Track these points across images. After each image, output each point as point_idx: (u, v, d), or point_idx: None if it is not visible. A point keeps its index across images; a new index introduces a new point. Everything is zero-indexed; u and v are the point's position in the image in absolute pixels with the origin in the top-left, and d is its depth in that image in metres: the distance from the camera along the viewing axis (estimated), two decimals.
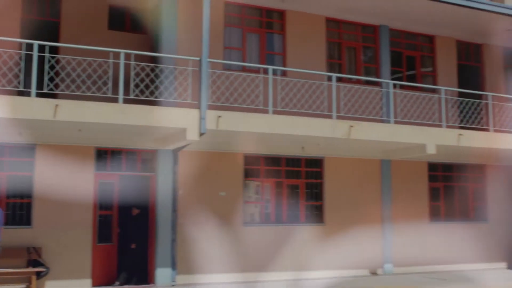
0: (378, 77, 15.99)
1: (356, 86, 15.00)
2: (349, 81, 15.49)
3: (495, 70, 17.97)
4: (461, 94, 16.43)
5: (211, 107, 11.92)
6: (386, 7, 15.36)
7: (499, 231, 17.36)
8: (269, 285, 13.37)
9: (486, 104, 16.18)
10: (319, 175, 15.18)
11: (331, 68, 15.66)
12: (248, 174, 14.38)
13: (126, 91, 11.83)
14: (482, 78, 17.84)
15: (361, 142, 13.58)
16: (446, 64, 17.21)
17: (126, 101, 11.36)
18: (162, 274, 12.90)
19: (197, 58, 11.79)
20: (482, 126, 15.87)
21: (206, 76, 11.66)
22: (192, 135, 11.30)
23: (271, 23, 15.19)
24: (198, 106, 11.53)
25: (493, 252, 17.26)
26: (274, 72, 13.76)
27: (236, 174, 14.12)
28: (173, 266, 13.04)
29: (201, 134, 11.39)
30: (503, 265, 17.36)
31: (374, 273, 15.39)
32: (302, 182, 14.98)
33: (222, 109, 12.33)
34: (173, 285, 12.90)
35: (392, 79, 16.17)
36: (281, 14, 15.24)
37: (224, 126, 11.66)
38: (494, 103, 16.35)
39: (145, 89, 12.02)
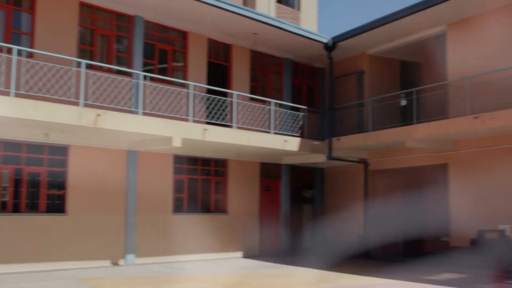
0: (130, 67, 16.71)
1: (106, 75, 15.56)
2: (100, 69, 15.95)
3: (242, 70, 19.97)
4: (209, 91, 17.95)
5: None
6: None
7: (237, 222, 19.38)
8: (5, 277, 13.34)
9: (231, 102, 17.93)
10: (64, 163, 15.44)
11: (82, 54, 15.98)
12: None
13: None
14: (229, 77, 19.67)
15: (109, 131, 14.20)
16: (197, 60, 18.64)
17: None
18: None
19: None
20: (226, 122, 17.58)
21: None
22: None
23: (19, 0, 15.02)
24: None
25: (232, 242, 19.22)
26: (19, 53, 13.66)
27: None
28: None
29: None
30: (240, 254, 19.41)
31: (116, 264, 16.14)
32: (44, 170, 15.11)
33: None
34: None
35: (144, 71, 17.03)
36: None
37: None
38: (239, 102, 18.25)
39: None
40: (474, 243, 16.17)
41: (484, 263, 15.36)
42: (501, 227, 15.81)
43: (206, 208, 18.90)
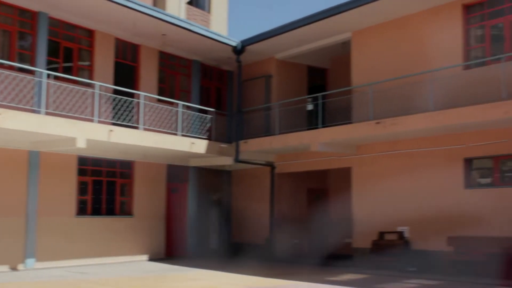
0: (33, 65, 16.23)
1: (7, 72, 15.05)
2: (1, 66, 15.37)
3: (150, 71, 19.86)
4: (115, 91, 17.74)
5: None
6: None
7: (143, 225, 19.26)
8: None
9: (138, 103, 17.81)
10: None
11: None
12: None
13: None
14: (137, 77, 19.52)
15: (9, 131, 13.76)
16: (104, 60, 18.36)
17: None
18: None
19: None
20: (133, 124, 17.45)
21: None
22: None
23: None
24: None
25: (137, 245, 19.10)
26: None
27: None
28: None
29: None
30: (145, 257, 19.29)
31: (14, 269, 15.66)
32: None
33: None
34: None
35: (48, 69, 16.57)
36: None
37: None
38: (146, 103, 18.14)
39: None
40: (375, 244, 16.87)
41: (383, 264, 16.11)
42: (400, 228, 16.57)
43: (111, 210, 18.66)
